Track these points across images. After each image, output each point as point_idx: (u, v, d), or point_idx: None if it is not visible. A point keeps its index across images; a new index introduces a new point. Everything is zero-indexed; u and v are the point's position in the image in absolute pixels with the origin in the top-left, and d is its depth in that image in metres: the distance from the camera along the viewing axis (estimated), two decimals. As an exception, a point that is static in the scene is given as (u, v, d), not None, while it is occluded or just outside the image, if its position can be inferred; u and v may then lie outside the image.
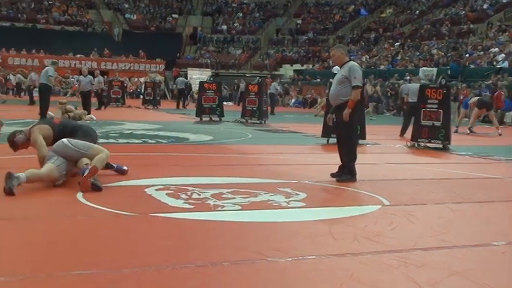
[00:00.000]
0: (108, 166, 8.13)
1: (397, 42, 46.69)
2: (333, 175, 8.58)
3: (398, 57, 42.81)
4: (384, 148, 14.11)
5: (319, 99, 31.93)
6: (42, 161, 7.48)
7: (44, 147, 7.60)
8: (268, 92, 29.76)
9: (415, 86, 17.61)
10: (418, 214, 6.39)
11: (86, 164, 7.21)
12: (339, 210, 6.60)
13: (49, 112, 20.04)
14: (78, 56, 48.56)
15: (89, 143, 7.62)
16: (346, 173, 8.50)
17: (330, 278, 4.16)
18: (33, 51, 47.64)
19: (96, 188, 6.93)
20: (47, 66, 19.06)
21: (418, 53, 41.72)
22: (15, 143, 7.75)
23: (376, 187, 8.04)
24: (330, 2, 61.87)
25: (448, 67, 35.17)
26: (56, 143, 7.46)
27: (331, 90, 8.94)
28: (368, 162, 10.36)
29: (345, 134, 8.59)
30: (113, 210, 5.97)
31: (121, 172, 8.28)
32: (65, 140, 7.45)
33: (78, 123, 9.03)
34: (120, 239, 4.98)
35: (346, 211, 6.49)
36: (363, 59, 44.04)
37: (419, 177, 9.38)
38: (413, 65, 39.18)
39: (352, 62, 8.79)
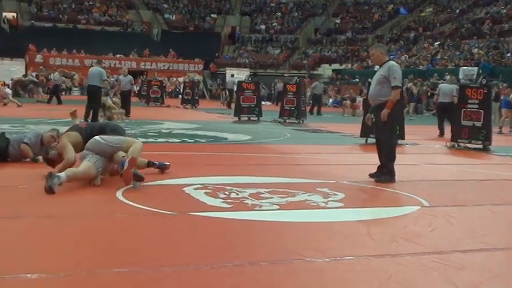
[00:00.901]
0: (150, 164, 8.23)
1: (437, 41, 46.16)
2: (371, 175, 8.53)
3: (438, 57, 42.33)
4: (423, 148, 13.98)
5: (358, 99, 31.62)
6: (68, 166, 7.56)
7: (71, 152, 7.68)
8: (313, 92, 29.65)
9: (446, 86, 18.25)
10: (458, 215, 6.32)
11: (123, 156, 7.28)
12: (377, 210, 6.56)
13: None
14: (118, 56, 49.04)
15: (120, 136, 7.69)
16: (385, 173, 8.44)
17: (368, 279, 4.13)
18: (74, 51, 48.25)
19: (138, 178, 7.02)
20: (95, 67, 18.20)
21: (459, 53, 41.20)
22: (50, 159, 7.84)
23: (415, 188, 7.97)
24: (369, 1, 61.46)
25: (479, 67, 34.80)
26: (89, 141, 7.53)
27: (370, 90, 8.88)
28: (407, 163, 10.28)
29: (384, 134, 8.53)
30: (151, 209, 6.02)
31: (163, 168, 8.37)
32: (97, 137, 7.53)
33: (104, 122, 9.13)
34: (158, 238, 5.02)
35: (385, 212, 6.45)
36: (402, 58, 43.64)
37: (459, 178, 9.28)
38: (453, 64, 38.71)
39: (391, 61, 8.73)
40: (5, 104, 25.80)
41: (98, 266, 4.16)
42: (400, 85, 8.47)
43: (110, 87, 34.63)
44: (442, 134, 17.44)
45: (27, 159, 9.04)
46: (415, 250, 4.85)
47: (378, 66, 9.00)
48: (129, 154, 7.23)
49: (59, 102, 29.45)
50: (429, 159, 11.76)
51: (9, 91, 29.29)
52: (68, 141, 7.81)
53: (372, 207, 6.84)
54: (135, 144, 7.48)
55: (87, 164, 7.22)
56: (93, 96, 17.34)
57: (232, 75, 35.96)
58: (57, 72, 33.80)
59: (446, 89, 17.96)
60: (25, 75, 39.04)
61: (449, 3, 53.75)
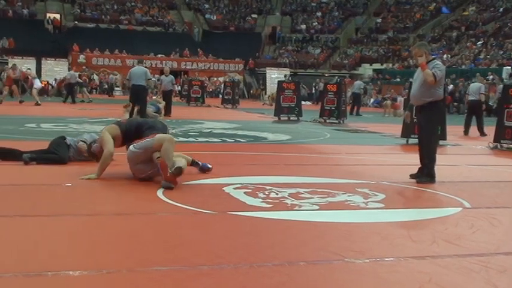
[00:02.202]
0: (193, 163, 8.32)
1: (479, 40, 45.54)
2: (412, 176, 8.46)
3: (481, 56, 41.75)
4: (464, 149, 13.82)
5: (399, 98, 31.37)
6: (105, 161, 7.69)
7: (110, 144, 7.77)
8: (352, 91, 29.43)
9: (475, 85, 18.78)
10: (501, 217, 6.23)
11: (158, 157, 7.35)
12: (418, 212, 6.52)
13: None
14: (159, 56, 49.44)
15: (149, 139, 7.59)
16: (425, 174, 8.36)
17: (408, 280, 4.10)
18: (116, 51, 48.80)
19: (176, 173, 7.06)
20: (137, 66, 18.26)
21: (502, 52, 40.58)
22: (92, 152, 7.95)
23: (456, 189, 7.89)
24: (410, 0, 60.89)
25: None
26: (128, 154, 7.65)
27: (413, 90, 8.77)
28: (448, 164, 10.17)
29: (426, 135, 8.46)
30: (192, 208, 6.06)
31: (205, 170, 8.42)
32: (130, 147, 7.62)
33: (143, 120, 9.15)
34: (198, 237, 5.05)
35: (426, 213, 6.40)
36: (444, 57, 43.13)
37: (502, 180, 9.15)
38: (496, 64, 38.13)
39: (436, 61, 8.64)
40: (37, 104, 25.66)
41: (139, 263, 4.21)
42: (436, 78, 8.28)
43: (154, 87, 34.59)
44: (466, 133, 17.92)
45: (83, 158, 9.03)
46: (456, 252, 4.80)
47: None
48: (162, 155, 7.27)
49: (73, 101, 29.77)
50: (471, 160, 11.62)
51: (38, 85, 29.20)
52: (108, 133, 7.92)
53: (412, 208, 6.78)
54: (164, 144, 7.31)
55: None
56: (138, 95, 17.36)
57: (286, 76, 35.82)
58: (72, 71, 33.86)
59: (475, 87, 18.49)
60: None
61: (493, 1, 52.93)
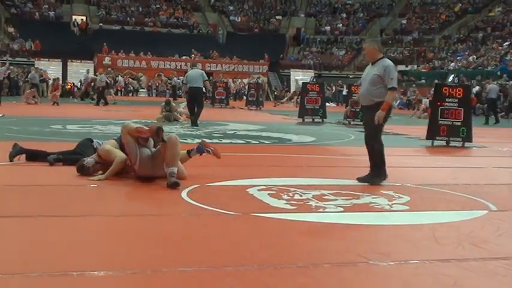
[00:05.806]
0: (189, 152, 8.23)
1: (506, 41, 45.07)
2: (360, 179, 8.14)
3: (508, 58, 41.33)
4: (491, 151, 13.67)
5: (424, 100, 31.23)
6: (118, 165, 7.72)
7: (117, 151, 7.81)
8: None
9: None
10: (527, 220, 6.17)
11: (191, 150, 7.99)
12: (443, 214, 6.46)
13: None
14: (184, 57, 49.61)
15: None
16: (376, 174, 8.10)
17: (433, 283, 4.07)
18: (141, 53, 49.06)
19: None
20: (194, 69, 18.61)
21: (529, 53, 40.19)
22: (84, 167, 7.87)
23: (482, 191, 7.80)
24: (435, 1, 60.47)
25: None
26: (141, 160, 7.61)
27: (362, 89, 8.33)
28: (474, 166, 10.09)
29: (371, 134, 8.15)
30: (215, 209, 6.07)
31: (202, 150, 8.20)
32: (143, 150, 7.61)
33: None
34: (222, 238, 5.06)
35: (451, 216, 6.35)
36: (470, 59, 42.79)
37: (529, 182, 9.04)
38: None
39: (386, 60, 8.16)
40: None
41: (163, 264, 4.23)
42: (397, 86, 8.08)
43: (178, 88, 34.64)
44: None
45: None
46: (482, 255, 4.76)
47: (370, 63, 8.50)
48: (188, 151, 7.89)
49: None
50: (497, 162, 11.49)
51: None
52: (110, 145, 7.98)
53: (437, 211, 6.73)
54: (177, 146, 7.49)
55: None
56: (196, 97, 17.96)
57: (259, 77, 35.67)
58: (33, 71, 34.03)
59: None
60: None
61: (520, 2, 52.35)
